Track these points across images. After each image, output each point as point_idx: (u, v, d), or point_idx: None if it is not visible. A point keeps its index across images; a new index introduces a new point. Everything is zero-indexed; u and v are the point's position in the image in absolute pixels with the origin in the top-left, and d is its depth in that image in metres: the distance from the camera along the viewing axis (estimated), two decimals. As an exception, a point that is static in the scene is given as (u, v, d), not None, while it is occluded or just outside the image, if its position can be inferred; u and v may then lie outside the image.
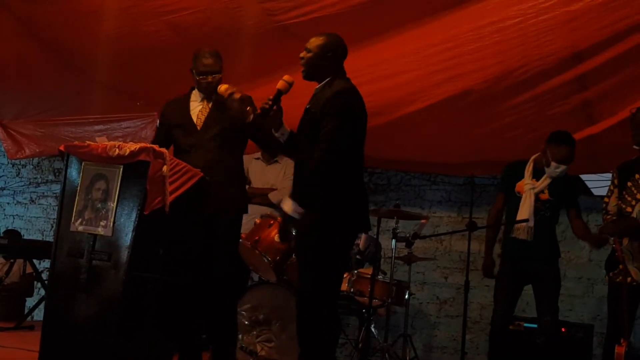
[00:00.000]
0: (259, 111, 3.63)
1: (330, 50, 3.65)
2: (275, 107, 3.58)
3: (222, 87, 3.98)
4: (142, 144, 3.61)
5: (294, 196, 3.54)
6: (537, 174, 4.72)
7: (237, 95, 3.90)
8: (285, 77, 3.62)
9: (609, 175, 5.01)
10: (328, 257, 3.57)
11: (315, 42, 3.66)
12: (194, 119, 4.11)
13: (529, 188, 4.68)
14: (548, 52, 4.32)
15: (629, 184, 4.25)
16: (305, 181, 3.57)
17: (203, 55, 4.07)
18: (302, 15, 4.39)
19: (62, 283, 3.65)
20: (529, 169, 4.74)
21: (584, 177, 5.91)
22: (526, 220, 4.63)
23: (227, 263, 4.08)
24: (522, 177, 4.75)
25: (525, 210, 4.65)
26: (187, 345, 4.04)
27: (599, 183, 5.69)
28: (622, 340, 3.83)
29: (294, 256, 4.97)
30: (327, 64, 3.65)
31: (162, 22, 4.71)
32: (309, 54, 3.66)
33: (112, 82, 5.80)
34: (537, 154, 4.76)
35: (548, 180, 4.67)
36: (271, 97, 3.59)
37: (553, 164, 4.62)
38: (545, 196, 4.69)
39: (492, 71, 4.51)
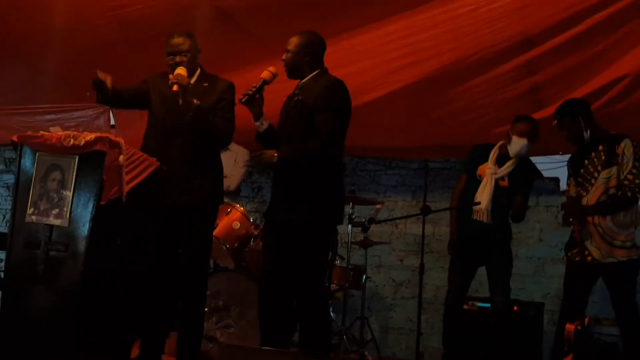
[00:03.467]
0: (242, 98, 3.70)
1: (309, 46, 3.77)
2: (257, 96, 3.68)
3: (179, 70, 3.83)
4: (98, 134, 3.56)
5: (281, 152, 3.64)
6: (500, 160, 4.81)
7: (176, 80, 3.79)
8: (271, 68, 3.73)
9: (558, 157, 5.14)
10: (319, 248, 3.71)
11: (294, 41, 3.78)
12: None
13: (490, 173, 4.77)
14: (500, 39, 4.42)
15: (582, 171, 4.37)
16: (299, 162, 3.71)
17: (172, 35, 3.96)
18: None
19: (19, 275, 3.60)
20: (493, 154, 4.83)
21: (533, 159, 6.05)
22: (478, 204, 4.73)
23: (194, 254, 4.02)
24: (486, 160, 4.83)
25: (484, 194, 4.74)
26: (148, 335, 4.03)
27: (548, 165, 5.82)
28: (577, 321, 3.91)
29: (252, 242, 5.00)
30: (308, 59, 3.77)
31: (111, 17, 4.67)
32: (289, 54, 3.78)
33: (61, 73, 5.69)
34: (502, 141, 4.85)
35: (510, 168, 4.76)
36: (255, 85, 3.68)
37: (514, 137, 4.71)
38: (504, 183, 4.78)
39: (447, 57, 4.58)
